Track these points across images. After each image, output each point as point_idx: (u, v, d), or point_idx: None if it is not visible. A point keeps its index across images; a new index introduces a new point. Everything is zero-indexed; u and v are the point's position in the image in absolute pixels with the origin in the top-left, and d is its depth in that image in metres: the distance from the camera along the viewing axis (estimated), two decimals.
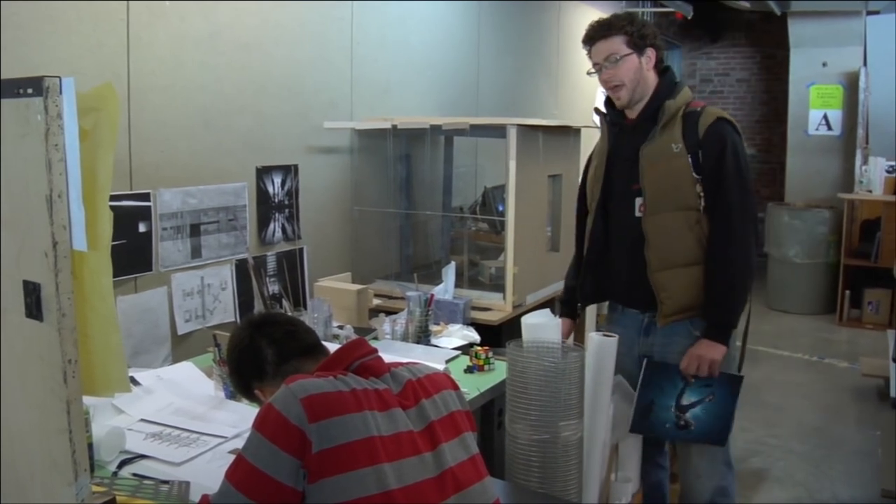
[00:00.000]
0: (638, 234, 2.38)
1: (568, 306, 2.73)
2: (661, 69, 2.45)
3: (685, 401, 2.40)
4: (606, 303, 2.71)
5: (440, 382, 1.60)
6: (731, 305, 2.34)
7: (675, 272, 2.35)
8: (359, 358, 1.52)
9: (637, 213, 2.39)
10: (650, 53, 2.40)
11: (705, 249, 2.34)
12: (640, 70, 2.38)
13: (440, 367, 1.66)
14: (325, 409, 1.35)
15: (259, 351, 1.64)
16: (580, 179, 2.73)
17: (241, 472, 1.36)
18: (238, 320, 2.96)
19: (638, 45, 2.38)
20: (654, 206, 2.35)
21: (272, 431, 1.35)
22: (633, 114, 2.44)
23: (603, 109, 2.55)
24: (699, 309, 2.36)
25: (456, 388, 1.63)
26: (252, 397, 1.69)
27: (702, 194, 2.32)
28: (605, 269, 2.53)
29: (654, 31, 2.44)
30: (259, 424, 1.38)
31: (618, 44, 2.37)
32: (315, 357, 1.64)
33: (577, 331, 4.26)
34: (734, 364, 2.46)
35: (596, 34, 2.42)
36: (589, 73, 2.48)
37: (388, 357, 1.63)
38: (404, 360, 1.68)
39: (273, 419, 1.35)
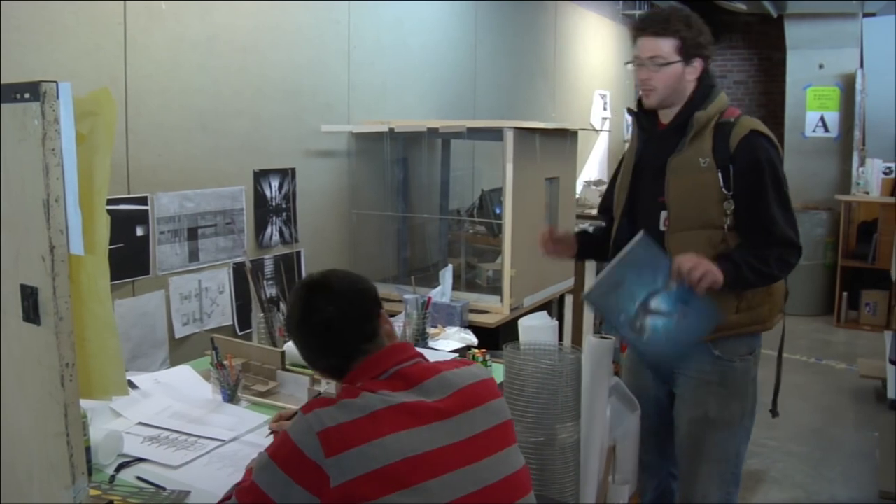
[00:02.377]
0: (663, 249, 2.23)
1: (583, 236, 2.62)
2: (703, 79, 2.28)
3: (654, 304, 2.14)
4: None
5: (493, 390, 1.54)
6: (751, 279, 2.17)
7: None
8: (396, 364, 1.48)
9: (661, 227, 2.26)
10: (697, 64, 2.24)
11: None
12: (680, 79, 2.24)
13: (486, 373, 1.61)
14: (341, 442, 1.31)
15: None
16: (612, 175, 2.58)
17: (253, 497, 1.36)
18: (235, 324, 2.97)
19: (688, 54, 2.22)
20: (677, 222, 2.23)
21: (286, 462, 1.33)
22: (666, 118, 2.31)
23: (636, 109, 2.41)
24: (720, 332, 2.22)
25: (501, 395, 1.57)
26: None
27: (728, 212, 2.18)
28: None
29: (710, 39, 2.26)
30: (274, 453, 1.36)
31: (667, 48, 2.21)
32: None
33: (574, 332, 4.28)
34: (751, 384, 2.34)
35: (648, 28, 2.24)
36: (627, 64, 2.35)
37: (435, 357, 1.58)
38: (448, 361, 1.61)
39: (289, 450, 1.34)
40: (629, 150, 2.47)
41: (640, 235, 2.14)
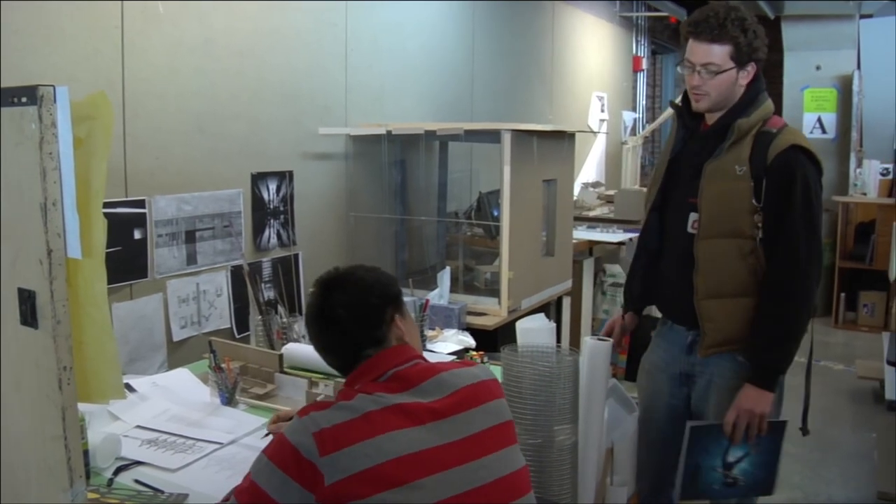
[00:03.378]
0: (689, 251, 2.22)
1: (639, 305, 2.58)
2: (754, 83, 2.23)
3: (731, 457, 2.23)
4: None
5: (493, 391, 1.55)
6: (785, 346, 2.14)
7: (722, 302, 2.19)
8: (394, 367, 1.50)
9: (690, 230, 2.23)
10: (750, 69, 2.18)
11: (758, 282, 2.16)
12: (733, 85, 2.18)
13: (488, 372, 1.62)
14: (335, 441, 1.35)
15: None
16: (655, 168, 2.52)
17: (251, 494, 1.38)
18: (233, 327, 2.97)
19: (742, 60, 2.16)
20: (707, 228, 2.19)
21: (283, 461, 1.37)
22: (710, 120, 2.26)
23: (679, 104, 2.35)
24: (742, 342, 2.19)
25: (503, 395, 1.58)
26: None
27: (759, 224, 2.14)
28: (655, 276, 2.40)
29: (765, 41, 2.19)
30: (272, 453, 1.40)
31: (722, 54, 2.14)
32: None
33: (572, 334, 4.29)
34: (779, 406, 2.28)
35: (703, 33, 2.15)
36: (677, 65, 2.32)
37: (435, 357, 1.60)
38: (448, 363, 1.62)
39: (286, 450, 1.37)
40: (667, 145, 2.41)
41: (687, 429, 2.20)
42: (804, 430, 2.46)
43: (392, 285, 1.63)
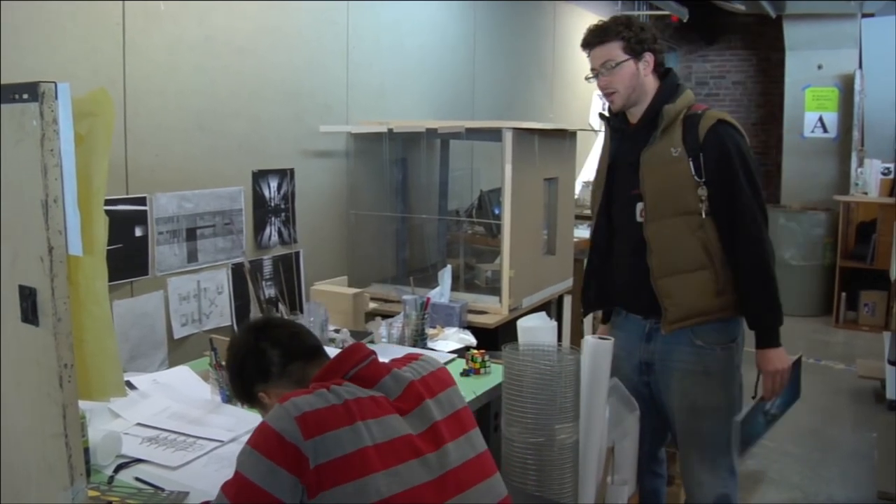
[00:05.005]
0: (640, 239, 2.36)
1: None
2: (663, 72, 2.42)
3: (768, 407, 2.43)
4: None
5: (445, 380, 1.62)
6: (774, 304, 2.32)
7: (678, 278, 2.32)
8: (355, 365, 1.54)
9: (638, 219, 2.37)
10: (648, 58, 2.37)
11: (709, 254, 2.31)
12: (636, 76, 2.36)
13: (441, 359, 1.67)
14: (318, 425, 1.37)
15: (263, 353, 1.64)
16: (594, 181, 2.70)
17: (238, 486, 1.37)
18: (234, 324, 2.97)
19: (635, 51, 2.35)
20: (653, 211, 2.33)
21: (268, 448, 1.37)
22: (634, 117, 2.42)
23: (606, 114, 2.53)
24: (703, 316, 2.34)
25: (454, 383, 1.64)
26: (254, 402, 1.68)
27: (703, 198, 2.29)
28: (608, 275, 2.52)
29: (654, 34, 2.41)
30: (255, 442, 1.40)
31: (614, 50, 2.35)
32: (318, 360, 1.64)
33: (573, 333, 4.28)
34: (735, 370, 2.45)
35: (593, 39, 2.40)
36: (587, 79, 2.46)
37: (389, 353, 1.64)
38: (403, 354, 1.70)
39: (269, 437, 1.37)
40: (603, 152, 2.57)
41: (735, 428, 2.33)
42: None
43: None
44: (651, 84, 2.39)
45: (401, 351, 2.69)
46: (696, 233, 2.30)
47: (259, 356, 1.64)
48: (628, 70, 2.35)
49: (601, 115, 2.59)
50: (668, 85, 2.39)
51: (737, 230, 2.30)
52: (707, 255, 2.31)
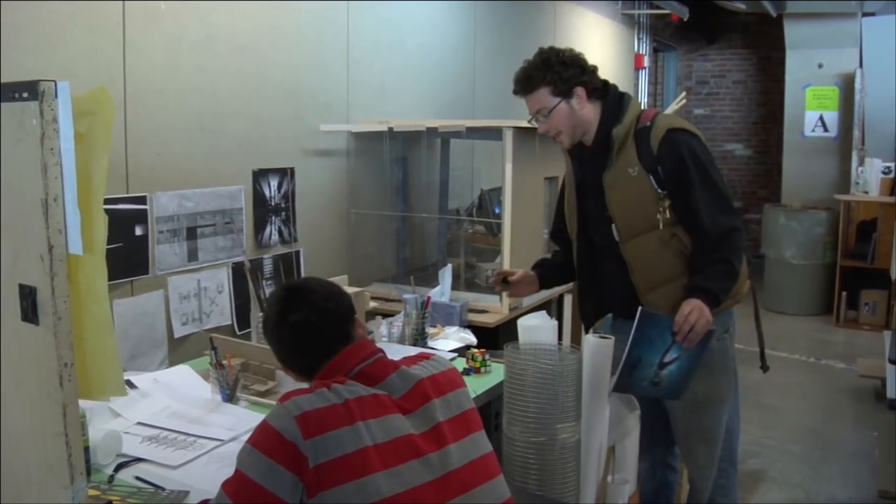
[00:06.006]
0: (621, 257, 2.37)
1: (544, 266, 2.70)
2: (601, 92, 2.39)
3: (668, 357, 2.26)
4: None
5: (455, 381, 1.61)
6: (725, 283, 2.28)
7: (662, 290, 2.33)
8: (360, 362, 1.53)
9: (617, 238, 2.38)
10: (579, 92, 2.35)
11: (686, 261, 2.32)
12: (573, 114, 2.36)
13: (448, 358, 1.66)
14: (318, 425, 1.37)
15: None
16: (557, 200, 2.71)
17: (238, 484, 1.38)
18: (235, 324, 2.97)
19: (563, 91, 2.35)
20: (626, 231, 2.34)
21: (268, 447, 1.37)
22: (588, 142, 2.42)
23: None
24: None
25: (464, 385, 1.64)
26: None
27: (667, 208, 2.29)
28: (599, 292, 2.52)
29: (578, 66, 2.37)
30: (255, 440, 1.40)
31: (543, 97, 2.37)
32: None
33: (573, 333, 4.28)
34: (730, 361, 2.44)
35: (520, 90, 2.43)
36: (529, 121, 2.47)
37: (392, 352, 1.63)
38: (416, 353, 1.69)
39: (269, 435, 1.38)
40: (567, 174, 2.57)
41: (639, 313, 2.19)
42: (764, 368, 2.64)
43: (343, 289, 1.71)
44: (591, 113, 2.38)
45: (401, 350, 2.69)
46: (669, 244, 2.32)
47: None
48: (562, 112, 2.36)
49: (562, 147, 2.56)
50: (611, 105, 2.37)
51: (702, 228, 2.28)
52: (684, 262, 2.32)
